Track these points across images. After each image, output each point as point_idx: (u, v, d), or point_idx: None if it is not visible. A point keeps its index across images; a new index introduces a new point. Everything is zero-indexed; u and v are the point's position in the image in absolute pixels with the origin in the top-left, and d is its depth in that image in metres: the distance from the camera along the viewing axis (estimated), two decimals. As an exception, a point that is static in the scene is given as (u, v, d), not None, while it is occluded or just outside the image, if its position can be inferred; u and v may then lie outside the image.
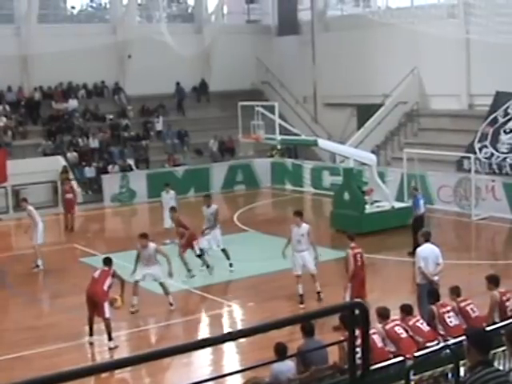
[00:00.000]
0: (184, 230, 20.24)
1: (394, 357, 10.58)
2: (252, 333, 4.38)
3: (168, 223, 23.25)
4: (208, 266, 19.85)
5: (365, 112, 35.91)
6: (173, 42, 35.43)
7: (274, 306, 17.21)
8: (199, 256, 19.92)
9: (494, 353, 9.12)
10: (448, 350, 10.10)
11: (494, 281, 12.51)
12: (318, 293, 17.38)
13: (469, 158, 27.47)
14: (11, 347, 14.98)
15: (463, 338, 7.67)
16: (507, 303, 12.16)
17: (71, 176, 32.35)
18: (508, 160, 28.49)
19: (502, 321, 11.56)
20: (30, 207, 21.99)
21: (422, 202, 22.47)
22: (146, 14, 42.58)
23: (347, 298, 15.20)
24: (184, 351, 4.12)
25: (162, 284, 17.20)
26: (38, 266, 21.14)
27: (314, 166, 33.98)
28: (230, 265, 20.18)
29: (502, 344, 8.78)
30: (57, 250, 22.15)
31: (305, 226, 17.37)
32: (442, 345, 10.92)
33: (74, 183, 30.44)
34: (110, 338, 14.93)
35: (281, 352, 9.76)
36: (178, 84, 39.27)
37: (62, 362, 13.49)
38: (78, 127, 35.40)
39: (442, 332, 11.62)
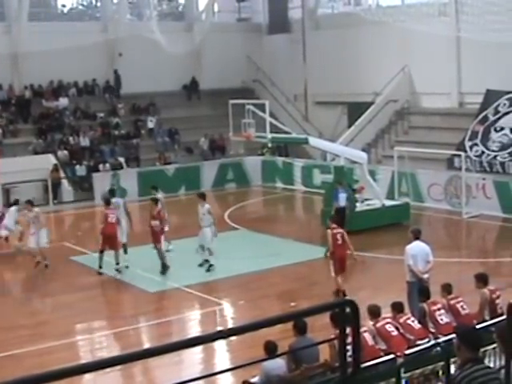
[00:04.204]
0: None
1: (385, 355, 10.61)
2: (243, 331, 4.38)
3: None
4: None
5: (355, 110, 35.95)
6: (163, 40, 35.38)
7: (265, 304, 17.25)
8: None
9: (485, 350, 9.16)
10: (439, 348, 10.14)
11: (482, 279, 12.50)
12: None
13: (459, 156, 27.53)
14: (2, 345, 14.93)
15: (454, 335, 7.69)
16: (497, 301, 12.19)
17: (62, 174, 32.30)
18: (498, 158, 28.55)
19: (492, 318, 11.60)
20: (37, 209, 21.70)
21: (343, 195, 22.72)
22: (136, 12, 42.61)
23: (332, 274, 17.06)
24: (175, 349, 4.11)
25: None
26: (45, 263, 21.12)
27: (304, 164, 33.98)
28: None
29: (493, 342, 8.82)
30: (47, 249, 22.02)
31: (206, 206, 20.07)
32: (432, 342, 10.95)
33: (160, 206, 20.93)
34: None
35: (270, 350, 9.77)
36: (115, 72, 38.40)
37: (53, 361, 13.47)
38: (68, 125, 35.33)
39: (432, 330, 11.64)
